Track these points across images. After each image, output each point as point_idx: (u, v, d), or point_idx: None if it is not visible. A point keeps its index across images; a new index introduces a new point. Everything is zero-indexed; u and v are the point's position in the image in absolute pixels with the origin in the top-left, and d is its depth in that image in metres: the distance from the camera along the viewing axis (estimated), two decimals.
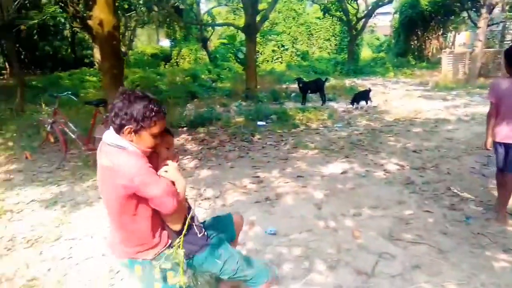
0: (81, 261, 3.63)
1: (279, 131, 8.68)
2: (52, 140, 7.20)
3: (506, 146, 3.87)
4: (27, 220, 4.56)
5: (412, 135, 8.08)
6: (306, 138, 8.07)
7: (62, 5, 13.51)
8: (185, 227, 2.03)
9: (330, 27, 28.07)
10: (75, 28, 23.21)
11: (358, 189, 5.18)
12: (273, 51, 26.33)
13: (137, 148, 1.92)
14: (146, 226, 2.00)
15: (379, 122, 9.48)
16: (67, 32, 26.74)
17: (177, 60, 25.67)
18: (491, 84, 4.02)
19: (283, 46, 26.61)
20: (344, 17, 22.37)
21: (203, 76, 18.12)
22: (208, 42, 25.88)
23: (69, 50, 27.38)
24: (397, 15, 27.83)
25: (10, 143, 7.82)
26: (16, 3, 11.97)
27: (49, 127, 6.76)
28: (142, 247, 2.03)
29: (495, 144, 3.99)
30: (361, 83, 17.41)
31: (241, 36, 22.76)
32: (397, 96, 13.48)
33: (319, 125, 9.35)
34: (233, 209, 4.67)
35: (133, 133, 1.89)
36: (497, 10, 19.98)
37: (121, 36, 8.87)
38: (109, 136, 1.94)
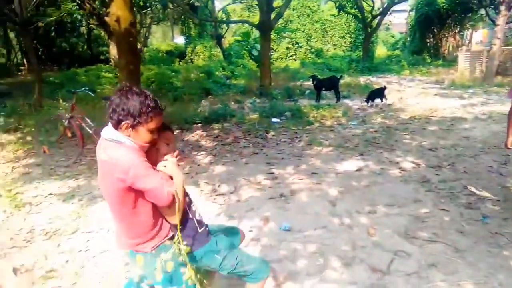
0: (98, 254, 3.69)
1: (293, 128, 8.67)
2: (69, 135, 7.30)
3: None
4: (45, 213, 4.64)
5: (428, 133, 8.00)
6: (320, 135, 8.05)
7: (79, 2, 13.64)
8: (178, 219, 2.04)
9: (345, 25, 27.93)
10: (92, 25, 23.48)
11: (373, 187, 5.15)
12: (287, 48, 26.26)
13: (134, 143, 1.96)
14: (146, 218, 2.04)
15: (394, 120, 9.41)
16: (83, 29, 27.11)
17: (192, 57, 25.80)
18: None
19: (297, 43, 26.53)
20: (359, 14, 22.21)
21: (217, 73, 18.19)
22: (223, 39, 25.96)
23: (85, 47, 27.77)
24: (413, 13, 27.55)
25: (29, 138, 7.95)
26: (34, 0, 12.17)
27: (66, 122, 6.86)
28: (142, 238, 2.07)
29: None
30: (376, 80, 17.28)
31: (256, 33, 22.79)
32: (413, 94, 13.35)
33: (334, 122, 9.31)
34: (247, 205, 4.69)
35: (130, 128, 1.93)
36: None
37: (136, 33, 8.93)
38: (107, 131, 1.99)
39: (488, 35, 23.73)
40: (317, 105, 11.29)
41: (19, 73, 21.96)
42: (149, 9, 18.96)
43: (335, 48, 28.18)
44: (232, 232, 2.60)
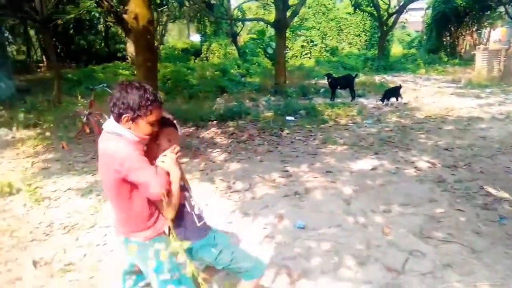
0: (115, 248, 3.75)
1: (308, 126, 8.67)
2: (87, 130, 7.42)
3: None
4: (64, 207, 4.75)
5: (444, 132, 7.93)
6: (335, 133, 8.04)
7: (98, 0, 13.83)
8: (171, 214, 2.09)
9: (360, 23, 27.69)
10: (109, 23, 23.73)
11: (388, 186, 5.14)
12: (302, 46, 26.16)
13: (135, 135, 2.03)
14: (140, 210, 2.11)
15: (410, 119, 9.33)
16: (101, 27, 27.40)
17: (207, 54, 25.90)
18: None
19: (312, 41, 26.40)
20: (375, 12, 21.98)
21: (232, 71, 18.21)
22: (238, 37, 25.96)
23: (102, 44, 28.06)
24: (429, 11, 27.18)
25: (48, 134, 8.10)
26: None
27: (85, 118, 6.98)
28: (136, 228, 2.15)
29: None
30: (391, 79, 17.13)
31: (271, 31, 22.71)
32: (428, 93, 13.20)
33: (348, 121, 9.28)
34: (262, 202, 4.73)
35: (130, 121, 2.01)
36: None
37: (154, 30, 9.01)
38: (108, 124, 2.08)
39: (507, 34, 23.34)
40: (331, 104, 11.24)
41: (38, 70, 22.31)
42: (166, 6, 19.05)
43: (350, 47, 27.97)
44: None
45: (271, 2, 18.79)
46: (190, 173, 5.83)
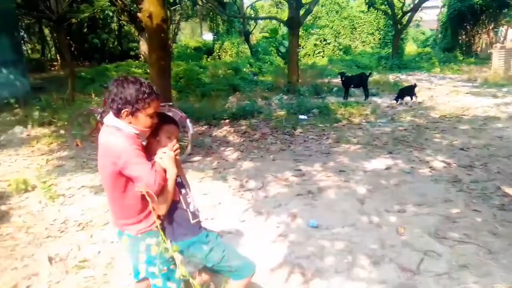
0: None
1: (321, 125, 8.63)
2: (101, 128, 7.45)
3: None
4: (78, 205, 4.78)
5: (459, 132, 7.82)
6: (348, 133, 7.98)
7: None
8: (162, 210, 2.12)
9: (374, 21, 27.52)
10: (122, 21, 23.89)
11: (402, 186, 5.08)
12: (315, 45, 26.10)
13: (135, 129, 2.06)
14: (134, 203, 2.14)
15: (424, 118, 9.22)
16: (114, 25, 27.62)
17: (219, 53, 25.92)
18: None
19: (325, 40, 26.32)
20: (389, 10, 21.81)
21: (244, 70, 18.21)
22: (250, 36, 25.95)
23: (115, 43, 28.29)
24: (444, 9, 26.88)
25: (62, 131, 8.18)
26: None
27: (99, 116, 7.01)
28: (129, 221, 2.18)
29: None
30: (406, 78, 16.98)
31: (283, 29, 22.72)
32: (443, 92, 13.04)
33: (362, 120, 9.21)
34: (275, 201, 4.71)
35: (130, 116, 2.04)
36: None
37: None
38: (109, 119, 2.10)
39: None
40: (345, 103, 11.17)
41: (53, 69, 22.55)
42: (179, 5, 19.19)
43: (363, 45, 27.81)
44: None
45: (283, 0, 18.77)
46: (203, 171, 5.84)
